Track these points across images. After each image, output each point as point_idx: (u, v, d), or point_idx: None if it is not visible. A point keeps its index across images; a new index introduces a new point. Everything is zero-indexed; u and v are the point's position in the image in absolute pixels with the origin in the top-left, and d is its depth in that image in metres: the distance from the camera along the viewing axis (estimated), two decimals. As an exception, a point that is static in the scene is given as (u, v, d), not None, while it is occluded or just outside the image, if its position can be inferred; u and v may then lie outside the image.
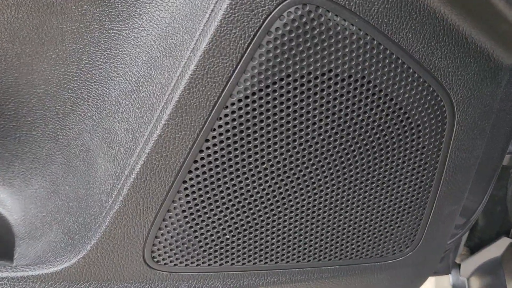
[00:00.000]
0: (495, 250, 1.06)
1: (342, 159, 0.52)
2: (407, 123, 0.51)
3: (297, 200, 0.54)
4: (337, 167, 0.52)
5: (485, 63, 0.49)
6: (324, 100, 0.47)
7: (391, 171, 0.54)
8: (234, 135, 0.47)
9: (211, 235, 0.54)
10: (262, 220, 0.54)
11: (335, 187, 0.54)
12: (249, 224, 0.54)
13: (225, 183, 0.50)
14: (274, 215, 0.54)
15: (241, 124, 0.47)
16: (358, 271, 0.63)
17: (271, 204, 0.53)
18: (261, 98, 0.46)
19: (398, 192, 0.56)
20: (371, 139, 0.51)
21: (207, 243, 0.55)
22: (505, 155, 0.74)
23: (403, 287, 0.69)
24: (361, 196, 0.55)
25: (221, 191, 0.51)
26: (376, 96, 0.48)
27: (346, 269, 0.62)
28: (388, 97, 0.48)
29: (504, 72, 0.50)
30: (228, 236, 0.55)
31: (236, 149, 0.48)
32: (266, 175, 0.51)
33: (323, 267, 0.61)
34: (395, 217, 0.59)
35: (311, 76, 0.46)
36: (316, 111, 0.48)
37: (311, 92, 0.47)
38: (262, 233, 0.56)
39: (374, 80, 0.47)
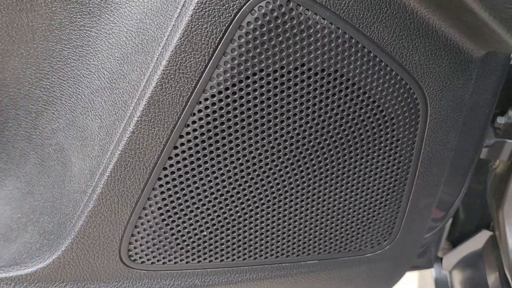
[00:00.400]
0: (475, 243, 1.07)
1: (318, 153, 0.52)
2: (381, 116, 0.51)
3: (274, 195, 0.54)
4: (313, 162, 0.53)
5: (455, 56, 0.50)
6: (297, 95, 0.47)
7: (366, 164, 0.54)
8: (209, 130, 0.47)
9: (188, 232, 0.54)
10: (240, 216, 0.54)
11: (311, 181, 0.54)
12: (226, 220, 0.54)
13: (201, 179, 0.50)
14: (251, 210, 0.54)
15: (215, 119, 0.47)
16: (337, 265, 0.63)
17: (248, 200, 0.53)
18: (234, 93, 0.46)
19: (374, 185, 0.57)
20: (346, 132, 0.51)
21: (184, 240, 0.54)
22: (482, 148, 0.75)
23: (381, 280, 0.69)
24: (337, 190, 0.56)
25: (197, 188, 0.51)
26: (349, 90, 0.48)
27: (325, 264, 0.62)
28: (361, 91, 0.49)
29: (474, 64, 0.51)
30: (205, 233, 0.54)
31: (211, 145, 0.48)
32: (241, 171, 0.51)
33: (302, 262, 0.61)
34: (372, 211, 0.59)
35: (284, 70, 0.46)
36: (290, 106, 0.48)
37: (284, 86, 0.47)
38: (240, 229, 0.55)
39: (347, 73, 0.47)
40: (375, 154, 0.54)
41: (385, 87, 0.49)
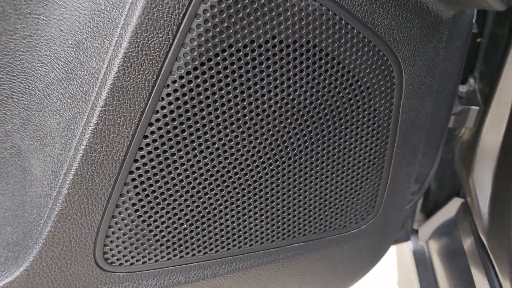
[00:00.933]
0: (448, 211, 1.09)
1: (296, 130, 0.50)
2: (357, 86, 0.50)
3: (254, 179, 0.51)
4: (292, 139, 0.50)
5: (426, 18, 0.49)
6: (270, 70, 0.45)
7: (346, 138, 0.53)
8: (180, 115, 0.44)
9: (167, 226, 0.51)
10: (220, 204, 0.52)
11: (291, 160, 0.52)
12: (207, 210, 0.51)
13: (176, 168, 0.47)
14: (232, 197, 0.52)
15: (185, 103, 0.44)
16: (323, 245, 0.61)
17: (228, 186, 0.51)
18: (204, 72, 0.43)
19: (354, 159, 0.55)
20: (323, 106, 0.49)
21: (163, 236, 0.51)
22: (451, 116, 0.76)
23: (367, 257, 0.68)
24: (318, 167, 0.54)
25: (173, 178, 0.48)
26: (323, 61, 0.46)
27: (311, 245, 0.60)
28: (335, 61, 0.47)
29: (444, 26, 0.50)
30: (185, 226, 0.51)
31: (183, 131, 0.45)
32: (219, 156, 0.48)
33: (288, 246, 0.59)
34: (354, 185, 0.58)
35: (255, 44, 0.43)
36: (264, 82, 0.45)
37: (256, 62, 0.44)
38: (221, 218, 0.53)
39: (320, 44, 0.45)
40: (354, 126, 0.52)
41: (359, 55, 0.47)
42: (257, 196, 0.53)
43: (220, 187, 0.50)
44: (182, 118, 0.44)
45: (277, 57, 0.44)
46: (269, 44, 0.44)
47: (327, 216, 0.59)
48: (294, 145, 0.51)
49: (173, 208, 0.50)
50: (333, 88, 0.49)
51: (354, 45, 0.47)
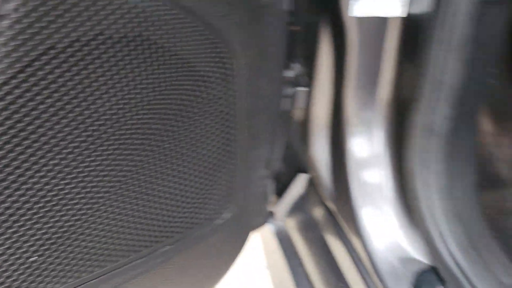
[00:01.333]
0: (297, 188, 1.18)
1: (142, 129, 0.48)
2: (196, 76, 0.49)
3: (105, 189, 0.47)
4: (139, 141, 0.48)
5: (249, 3, 0.51)
6: (103, 70, 0.42)
7: (195, 129, 0.52)
8: (3, 134, 0.38)
9: (11, 264, 0.43)
10: (72, 225, 0.46)
11: (141, 163, 0.49)
12: (56, 235, 0.45)
13: (10, 195, 0.40)
14: (84, 214, 0.47)
15: (7, 118, 0.38)
16: (191, 243, 0.60)
17: (76, 204, 0.46)
18: (25, 81, 0.38)
19: (206, 149, 0.55)
20: (166, 100, 0.48)
21: (9, 277, 0.43)
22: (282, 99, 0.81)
23: (234, 245, 0.69)
24: (172, 165, 0.52)
25: (7, 208, 0.41)
26: (159, 54, 0.45)
27: (179, 246, 0.59)
28: (170, 52, 0.46)
29: (265, 10, 0.53)
30: (34, 258, 0.44)
31: (11, 151, 0.39)
32: (62, 170, 0.43)
33: (157, 252, 0.56)
34: (209, 176, 0.58)
35: (80, 43, 0.39)
36: (98, 83, 0.42)
37: (84, 62, 0.40)
38: (77, 240, 0.47)
39: (152, 36, 0.44)
40: (199, 117, 0.52)
41: (192, 45, 0.47)
42: (113, 208, 0.49)
43: (67, 206, 0.45)
44: (7, 136, 0.38)
45: (108, 54, 0.41)
46: (97, 41, 0.40)
47: (191, 213, 0.58)
48: (144, 145, 0.48)
49: (15, 242, 0.43)
50: (173, 80, 0.48)
51: (187, 35, 0.46)
